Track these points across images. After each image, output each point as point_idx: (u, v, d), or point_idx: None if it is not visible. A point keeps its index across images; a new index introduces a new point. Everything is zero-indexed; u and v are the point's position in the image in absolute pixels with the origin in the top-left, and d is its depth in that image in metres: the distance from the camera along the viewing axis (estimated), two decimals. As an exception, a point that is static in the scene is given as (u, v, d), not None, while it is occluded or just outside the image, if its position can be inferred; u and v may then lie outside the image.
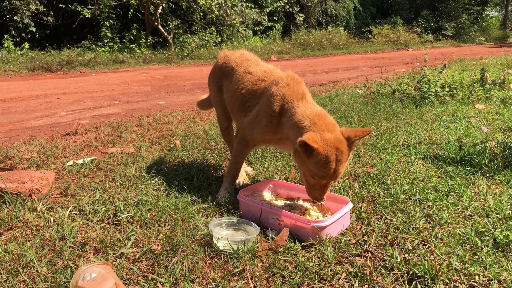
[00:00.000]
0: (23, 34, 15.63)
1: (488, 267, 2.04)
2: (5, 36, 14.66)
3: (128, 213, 2.68)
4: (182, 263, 2.12)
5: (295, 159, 2.57)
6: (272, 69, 3.02)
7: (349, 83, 9.14)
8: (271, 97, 2.70)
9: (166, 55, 16.20)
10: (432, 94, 6.14)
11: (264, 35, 23.86)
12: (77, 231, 2.47)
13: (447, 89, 6.38)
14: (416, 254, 2.18)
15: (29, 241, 2.36)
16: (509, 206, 2.65)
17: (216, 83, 3.37)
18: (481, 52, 20.56)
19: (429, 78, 6.50)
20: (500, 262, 2.08)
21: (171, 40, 17.75)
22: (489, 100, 6.36)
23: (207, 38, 19.07)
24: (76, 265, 2.12)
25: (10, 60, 13.45)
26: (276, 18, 24.33)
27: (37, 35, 16.04)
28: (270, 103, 2.69)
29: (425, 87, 6.27)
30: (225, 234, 2.28)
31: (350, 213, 2.60)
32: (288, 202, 2.83)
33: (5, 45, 14.44)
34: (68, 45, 16.63)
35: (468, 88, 6.61)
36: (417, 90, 6.59)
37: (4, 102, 7.04)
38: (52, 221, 2.58)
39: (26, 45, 14.97)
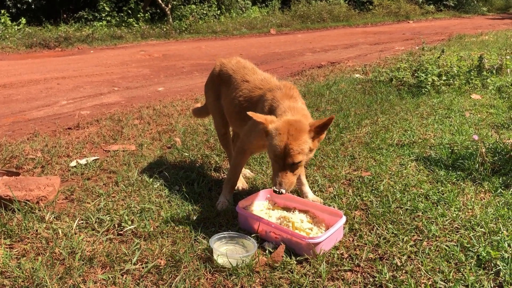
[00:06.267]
0: (18, 5, 15.43)
1: (470, 286, 2.19)
2: (2, 11, 14.47)
3: (132, 223, 2.82)
4: (185, 280, 2.27)
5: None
6: (269, 77, 3.14)
7: (348, 66, 9.16)
8: (265, 102, 2.87)
9: (164, 29, 16.06)
10: (429, 83, 6.20)
11: (264, 5, 23.51)
12: (85, 243, 2.61)
13: (444, 77, 6.43)
14: (404, 271, 2.33)
15: (39, 255, 2.51)
16: (494, 219, 2.78)
17: (214, 91, 3.46)
18: (482, 25, 20.34)
19: (426, 67, 6.54)
20: (481, 281, 2.23)
21: (168, 12, 17.52)
22: (485, 89, 6.42)
23: (205, 12, 18.82)
24: (85, 282, 2.27)
25: (7, 36, 13.37)
26: (276, -13, 23.89)
27: (33, 6, 15.81)
28: (263, 106, 2.86)
29: (422, 76, 6.32)
30: (224, 251, 2.42)
31: (344, 226, 2.74)
32: (285, 212, 2.96)
33: (2, 20, 14.28)
34: (65, 15, 16.40)
35: (465, 76, 6.65)
36: (414, 78, 6.64)
37: (4, 89, 7.10)
38: (60, 233, 2.72)
39: (23, 20, 14.80)
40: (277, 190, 2.50)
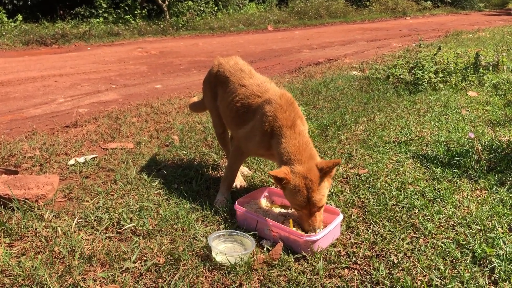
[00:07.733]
0: (15, 1, 15.36)
1: (465, 282, 2.22)
2: (-2, 8, 14.43)
3: (131, 221, 2.83)
4: (184, 277, 2.30)
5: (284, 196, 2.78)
6: (266, 82, 3.11)
7: (345, 63, 9.18)
8: (264, 116, 2.84)
9: (161, 26, 16.04)
10: (426, 81, 6.23)
11: (261, 1, 23.48)
12: (84, 241, 2.62)
13: (440, 75, 6.46)
14: (400, 268, 2.36)
15: (39, 253, 2.53)
16: (489, 216, 2.81)
17: (210, 90, 3.46)
18: (479, 21, 20.39)
19: (423, 64, 6.56)
20: (476, 278, 2.26)
21: (165, 8, 17.48)
22: (482, 86, 6.46)
23: (202, 8, 18.79)
24: (85, 281, 2.29)
25: (4, 33, 13.33)
26: (273, -18, 23.86)
27: (29, 2, 15.74)
28: (263, 122, 2.83)
29: (419, 73, 6.35)
30: (223, 249, 2.45)
31: (341, 224, 2.76)
32: (282, 210, 2.99)
33: (-2, 17, 14.25)
34: (62, 12, 16.35)
35: (462, 73, 6.68)
36: (411, 75, 6.67)
37: (2, 86, 7.10)
38: (59, 231, 2.73)
39: (20, 16, 14.75)
40: (311, 233, 2.61)
